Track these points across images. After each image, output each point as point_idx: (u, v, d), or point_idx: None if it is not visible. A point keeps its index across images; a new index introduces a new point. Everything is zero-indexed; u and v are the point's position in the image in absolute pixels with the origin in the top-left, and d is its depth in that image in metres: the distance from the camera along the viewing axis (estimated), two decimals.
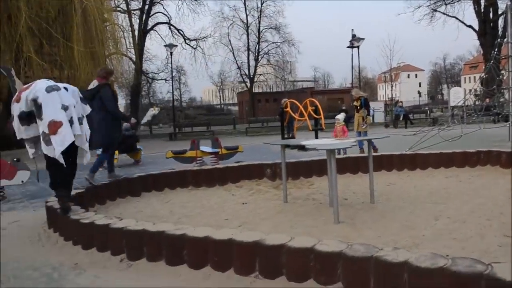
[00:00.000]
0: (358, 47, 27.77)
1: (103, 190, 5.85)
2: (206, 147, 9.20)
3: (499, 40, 14.97)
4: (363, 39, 27.56)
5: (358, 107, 10.51)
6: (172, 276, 3.19)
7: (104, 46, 17.65)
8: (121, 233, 3.59)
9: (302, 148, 10.07)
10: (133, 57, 29.16)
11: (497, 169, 7.06)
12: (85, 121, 4.71)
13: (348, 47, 29.10)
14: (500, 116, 14.67)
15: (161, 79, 37.70)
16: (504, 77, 14.40)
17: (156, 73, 37.33)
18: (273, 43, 45.33)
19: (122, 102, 58.74)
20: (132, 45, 27.16)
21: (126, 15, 28.29)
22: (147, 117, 15.46)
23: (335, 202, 4.23)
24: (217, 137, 10.02)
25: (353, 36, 28.32)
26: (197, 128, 28.04)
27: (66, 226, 4.19)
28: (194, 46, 35.93)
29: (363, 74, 72.63)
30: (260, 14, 44.50)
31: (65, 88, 4.63)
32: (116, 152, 10.20)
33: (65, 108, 4.39)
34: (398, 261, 2.50)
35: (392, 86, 52.15)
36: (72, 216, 4.13)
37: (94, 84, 6.11)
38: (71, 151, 4.51)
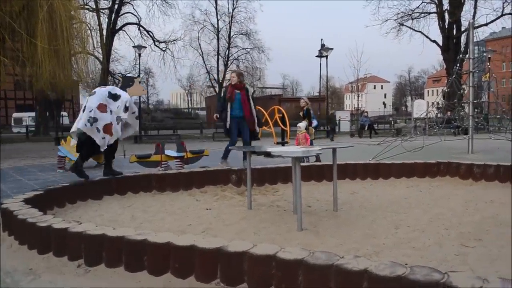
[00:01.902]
0: (326, 56, 28.23)
1: (63, 193, 5.67)
2: (171, 151, 9.09)
3: (461, 55, 15.51)
4: (331, 49, 28.05)
5: (302, 117, 10.69)
6: (131, 283, 3.11)
7: (69, 44, 17.22)
8: (80, 237, 3.48)
9: (268, 155, 10.10)
10: (101, 57, 28.62)
11: (456, 180, 7.29)
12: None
13: (317, 56, 29.54)
14: (460, 129, 15.20)
15: None
16: (465, 92, 14.94)
17: (123, 74, 36.71)
18: (243, 49, 45.50)
19: None
20: (99, 44, 26.64)
21: (95, 14, 27.76)
22: None
23: (299, 209, 4.25)
24: (182, 141, 9.92)
25: (322, 45, 28.78)
26: (164, 132, 27.75)
27: (22, 229, 4.03)
28: (164, 49, 35.61)
29: (331, 84, 73.89)
30: (231, 20, 44.59)
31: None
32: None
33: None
34: (358, 269, 2.52)
35: (358, 96, 53.27)
36: (28, 219, 3.98)
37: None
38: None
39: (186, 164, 8.98)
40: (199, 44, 44.20)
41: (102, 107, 6.11)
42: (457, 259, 3.46)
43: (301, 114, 10.89)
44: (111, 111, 6.19)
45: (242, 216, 5.02)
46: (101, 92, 6.29)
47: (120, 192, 6.34)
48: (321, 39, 29.18)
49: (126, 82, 6.85)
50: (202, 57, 44.88)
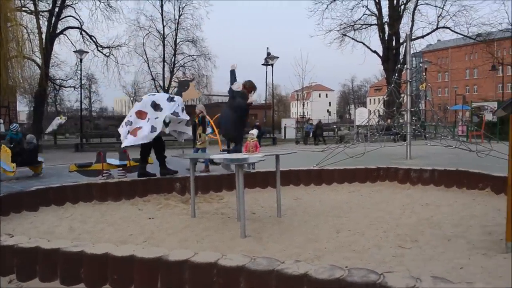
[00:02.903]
0: (272, 65, 28.57)
1: None
2: (113, 160, 8.82)
3: (399, 66, 16.20)
4: (277, 57, 28.41)
5: (197, 124, 10.73)
6: None
7: (4, 47, 16.36)
8: (11, 251, 3.29)
9: (212, 162, 10.04)
10: (39, 61, 27.36)
11: (395, 184, 7.58)
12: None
13: (263, 64, 29.83)
14: (399, 135, 15.82)
15: (70, 86, 35.60)
16: (404, 100, 15.61)
17: (64, 80, 35.29)
18: (189, 56, 45.13)
19: (25, 109, 54.87)
20: (38, 48, 25.48)
21: (33, 16, 26.54)
22: (52, 126, 14.61)
23: (242, 216, 4.25)
24: (125, 149, 9.68)
25: (268, 54, 29.08)
26: (106, 139, 26.87)
27: None
28: (107, 54, 34.59)
29: (277, 92, 74.88)
30: (177, 26, 44.12)
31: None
32: (14, 165, 9.45)
33: None
34: (298, 273, 2.55)
35: (304, 104, 54.27)
36: None
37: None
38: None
39: (129, 172, 8.72)
40: (144, 50, 43.35)
41: (141, 114, 6.65)
42: (395, 260, 3.59)
43: (196, 121, 10.84)
44: (148, 119, 6.63)
45: (185, 224, 4.96)
46: (146, 100, 6.81)
47: (58, 202, 6.07)
48: (267, 48, 29.51)
49: (182, 87, 7.27)
50: (148, 63, 44.05)
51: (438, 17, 32.70)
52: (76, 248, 3.15)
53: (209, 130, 11.52)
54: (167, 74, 44.75)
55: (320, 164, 9.68)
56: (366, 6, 33.60)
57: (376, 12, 33.59)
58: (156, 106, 6.68)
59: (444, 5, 32.20)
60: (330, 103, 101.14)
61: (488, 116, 24.44)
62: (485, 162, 10.48)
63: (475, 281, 2.42)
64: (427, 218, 5.10)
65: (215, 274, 2.77)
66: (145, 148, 7.02)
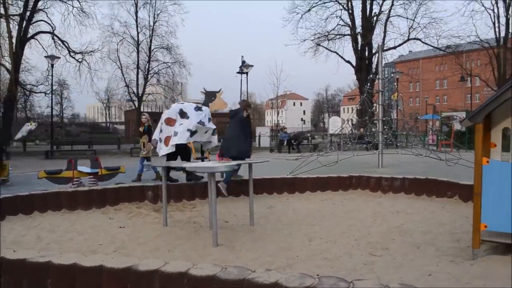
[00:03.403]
0: (247, 73, 28.67)
1: None
2: (84, 167, 8.65)
3: (371, 76, 16.50)
4: (251, 66, 28.54)
5: (142, 133, 10.73)
6: None
7: None
8: None
9: (184, 171, 9.96)
10: (9, 66, 26.67)
11: (367, 192, 7.68)
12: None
13: (238, 72, 29.90)
14: (371, 144, 16.04)
15: (40, 92, 34.83)
16: (376, 110, 15.89)
17: (34, 85, 34.48)
18: (164, 63, 44.88)
19: None
20: (8, 53, 24.85)
21: (3, 20, 25.90)
22: (22, 133, 14.24)
23: (214, 225, 4.23)
24: (97, 157, 9.50)
25: (243, 62, 29.18)
26: (78, 147, 26.36)
27: None
28: (80, 60, 33.97)
29: (252, 100, 75.07)
30: (152, 33, 43.91)
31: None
32: None
33: None
34: (269, 282, 2.55)
35: (278, 113, 54.57)
36: None
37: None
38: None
39: (101, 181, 8.58)
40: (118, 57, 42.97)
41: (169, 121, 6.91)
42: (365, 268, 3.63)
43: (141, 129, 10.80)
44: (176, 126, 6.86)
45: (157, 233, 4.90)
46: (174, 107, 7.05)
47: (25, 211, 5.91)
48: (242, 56, 29.58)
49: (209, 97, 7.41)
50: (121, 70, 43.65)
51: (409, 28, 33.62)
52: (43, 258, 3.07)
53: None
54: (141, 81, 44.38)
55: (293, 172, 9.73)
56: (340, 17, 34.24)
57: (350, 23, 34.21)
58: (183, 114, 6.90)
59: (415, 17, 33.15)
60: (304, 111, 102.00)
61: (457, 126, 25.07)
62: (454, 171, 10.75)
63: None
64: (397, 226, 5.18)
65: (186, 284, 2.74)
66: (169, 155, 7.18)
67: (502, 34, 35.85)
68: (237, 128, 7.37)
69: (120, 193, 6.67)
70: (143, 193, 6.76)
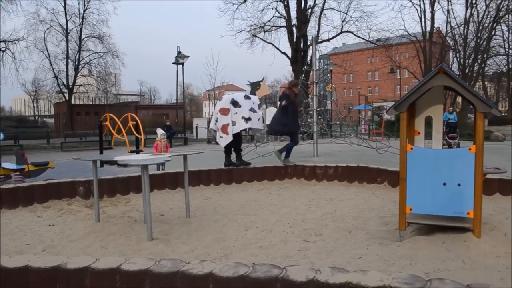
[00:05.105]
0: (183, 64, 28.27)
1: None
2: (9, 164, 8.16)
3: (306, 67, 16.77)
4: (187, 56, 28.19)
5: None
6: None
7: None
8: None
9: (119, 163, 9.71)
10: None
11: (302, 181, 7.87)
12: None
13: (173, 63, 29.40)
14: (306, 134, 16.42)
15: None
16: (311, 101, 16.24)
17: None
18: (95, 53, 43.15)
19: None
20: None
21: None
22: None
23: (148, 218, 4.15)
24: (23, 152, 8.98)
25: (179, 53, 28.73)
26: (3, 142, 24.74)
27: None
28: (3, 49, 31.96)
29: (189, 91, 74.23)
30: (82, 21, 42.05)
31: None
32: None
33: None
34: (203, 273, 2.55)
35: (216, 104, 54.41)
36: None
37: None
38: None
39: (28, 177, 8.14)
40: (46, 46, 40.81)
41: (224, 111, 7.68)
42: (299, 254, 3.73)
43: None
44: (231, 115, 7.66)
45: (89, 230, 4.72)
46: (226, 98, 7.85)
47: None
48: (178, 46, 29.13)
49: (254, 87, 8.33)
50: (49, 60, 41.46)
51: (343, 21, 34.58)
52: None
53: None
54: (71, 72, 42.43)
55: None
56: (276, 8, 34.51)
57: (285, 15, 34.60)
58: (235, 103, 7.69)
59: (347, 11, 34.14)
60: None
61: (387, 116, 26.29)
62: (384, 158, 11.29)
63: (370, 269, 2.58)
64: (330, 213, 5.36)
65: (118, 280, 2.68)
66: (230, 142, 7.84)
67: (428, 28, 38.00)
68: (285, 109, 8.20)
69: (49, 190, 6.33)
70: (74, 189, 6.48)
